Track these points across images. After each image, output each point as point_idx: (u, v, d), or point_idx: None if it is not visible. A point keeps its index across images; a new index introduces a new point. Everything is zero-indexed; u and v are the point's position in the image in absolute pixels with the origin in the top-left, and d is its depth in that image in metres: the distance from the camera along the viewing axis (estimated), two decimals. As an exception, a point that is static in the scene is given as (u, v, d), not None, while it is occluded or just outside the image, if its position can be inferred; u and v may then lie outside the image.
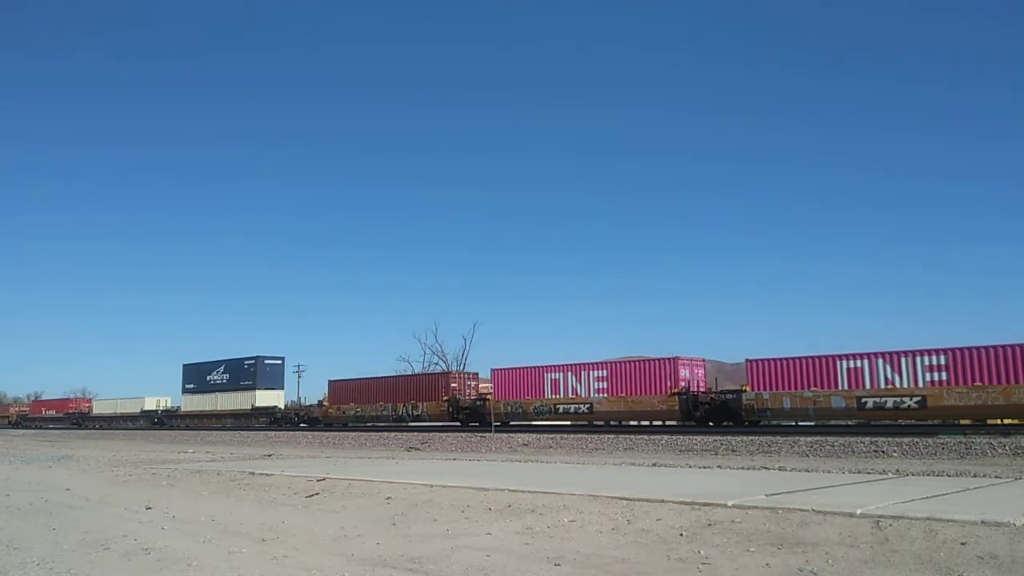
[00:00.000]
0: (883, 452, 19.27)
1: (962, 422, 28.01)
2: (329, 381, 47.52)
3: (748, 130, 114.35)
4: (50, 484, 14.44)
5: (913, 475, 12.63)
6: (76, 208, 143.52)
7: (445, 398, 40.12)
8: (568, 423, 36.30)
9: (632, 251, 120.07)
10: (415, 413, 41.71)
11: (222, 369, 58.29)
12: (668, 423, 33.65)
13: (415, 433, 35.05)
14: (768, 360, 30.32)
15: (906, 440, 20.50)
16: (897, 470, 13.84)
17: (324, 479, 12.80)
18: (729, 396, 31.32)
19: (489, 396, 38.31)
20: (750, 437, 23.66)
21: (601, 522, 7.84)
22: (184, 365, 62.53)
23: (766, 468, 14.59)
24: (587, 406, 34.78)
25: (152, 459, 21.51)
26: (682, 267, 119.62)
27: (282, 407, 54.07)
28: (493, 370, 38.81)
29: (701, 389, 32.80)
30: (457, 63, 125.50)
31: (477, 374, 43.03)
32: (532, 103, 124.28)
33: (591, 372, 35.20)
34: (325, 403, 47.53)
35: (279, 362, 58.18)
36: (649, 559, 6.21)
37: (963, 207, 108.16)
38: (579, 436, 28.15)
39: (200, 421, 57.45)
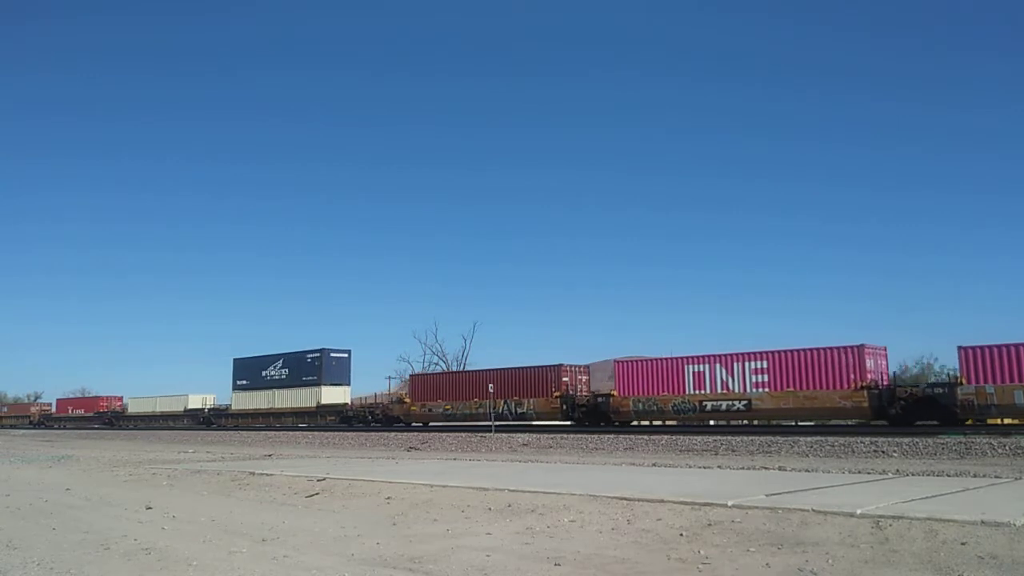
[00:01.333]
0: (883, 452, 19.26)
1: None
2: (411, 375, 44.15)
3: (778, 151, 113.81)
4: (50, 484, 14.45)
5: (913, 475, 12.63)
6: (78, 216, 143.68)
7: (557, 394, 36.02)
8: (721, 422, 31.77)
9: (625, 261, 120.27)
10: (519, 411, 37.46)
11: (280, 363, 53.03)
12: (851, 422, 29.23)
13: (415, 433, 35.05)
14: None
15: (906, 440, 20.50)
16: (897, 470, 13.84)
17: (324, 479, 12.80)
18: (939, 391, 26.94)
19: (613, 392, 33.85)
20: (750, 437, 23.66)
21: (601, 522, 7.84)
22: (235, 360, 57.22)
23: (766, 468, 14.59)
24: (743, 403, 29.78)
25: (152, 459, 21.51)
26: (681, 267, 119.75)
27: (349, 403, 49.36)
28: (616, 362, 34.40)
29: (884, 383, 28.60)
30: (459, 84, 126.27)
31: (588, 367, 38.18)
32: (534, 119, 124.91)
33: (746, 363, 30.12)
34: (406, 399, 43.19)
35: (345, 355, 52.38)
36: (649, 559, 6.21)
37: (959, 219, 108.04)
38: (579, 436, 28.15)
39: (255, 420, 52.87)
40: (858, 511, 7.38)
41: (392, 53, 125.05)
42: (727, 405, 30.28)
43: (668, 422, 33.17)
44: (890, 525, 6.85)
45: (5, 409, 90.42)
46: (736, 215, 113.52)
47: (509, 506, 9.12)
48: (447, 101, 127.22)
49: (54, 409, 79.67)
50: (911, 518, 6.98)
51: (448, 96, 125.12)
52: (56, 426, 72.71)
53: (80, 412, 72.86)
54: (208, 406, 59.64)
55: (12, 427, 78.47)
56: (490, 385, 37.47)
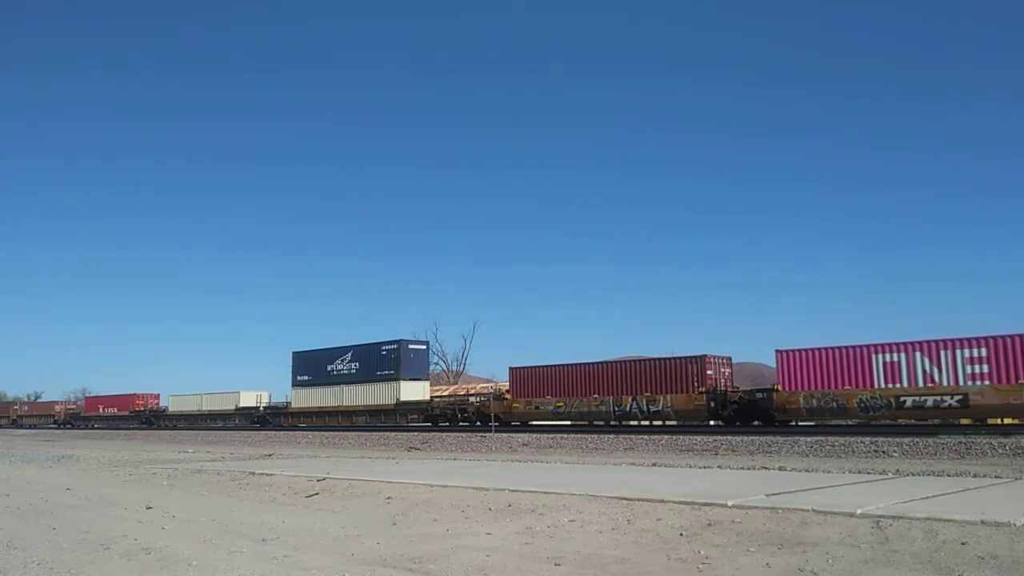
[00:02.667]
0: (883, 452, 19.26)
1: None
2: (510, 368, 38.07)
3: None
4: (50, 484, 14.44)
5: (913, 475, 12.63)
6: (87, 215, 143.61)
7: (701, 389, 31.43)
8: (921, 420, 26.73)
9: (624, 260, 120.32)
10: (652, 408, 32.73)
11: (349, 357, 47.75)
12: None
13: (415, 433, 35.01)
14: None
15: (906, 440, 20.49)
16: (897, 470, 13.84)
17: (324, 479, 12.80)
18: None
19: (777, 387, 29.97)
20: (750, 437, 23.65)
21: (601, 522, 7.83)
22: (294, 353, 51.52)
23: (766, 468, 14.59)
24: (957, 398, 25.61)
25: (152, 459, 21.51)
26: (682, 267, 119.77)
27: (428, 399, 44.37)
28: (779, 351, 29.83)
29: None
30: (459, 84, 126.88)
31: (730, 358, 33.40)
32: (534, 119, 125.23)
33: (957, 351, 25.81)
34: (506, 396, 37.92)
35: (423, 347, 47.87)
36: (649, 559, 6.21)
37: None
38: (579, 436, 28.14)
39: (321, 419, 47.82)
40: (858, 511, 7.38)
41: (392, 53, 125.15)
42: (934, 401, 26.05)
43: (850, 421, 29.03)
44: (890, 525, 6.85)
45: (26, 408, 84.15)
46: (735, 215, 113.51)
47: (509, 506, 9.11)
48: (447, 101, 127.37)
49: (83, 407, 73.57)
50: (911, 518, 6.98)
51: (448, 96, 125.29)
52: (84, 426, 67.83)
53: (113, 411, 67.09)
54: (263, 404, 54.36)
55: (33, 427, 73.98)
56: (612, 380, 33.56)
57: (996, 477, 11.71)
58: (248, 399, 55.00)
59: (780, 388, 29.51)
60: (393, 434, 35.42)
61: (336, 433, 38.35)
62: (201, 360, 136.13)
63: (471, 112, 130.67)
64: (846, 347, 28.23)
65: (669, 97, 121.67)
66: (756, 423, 30.33)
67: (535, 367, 37.10)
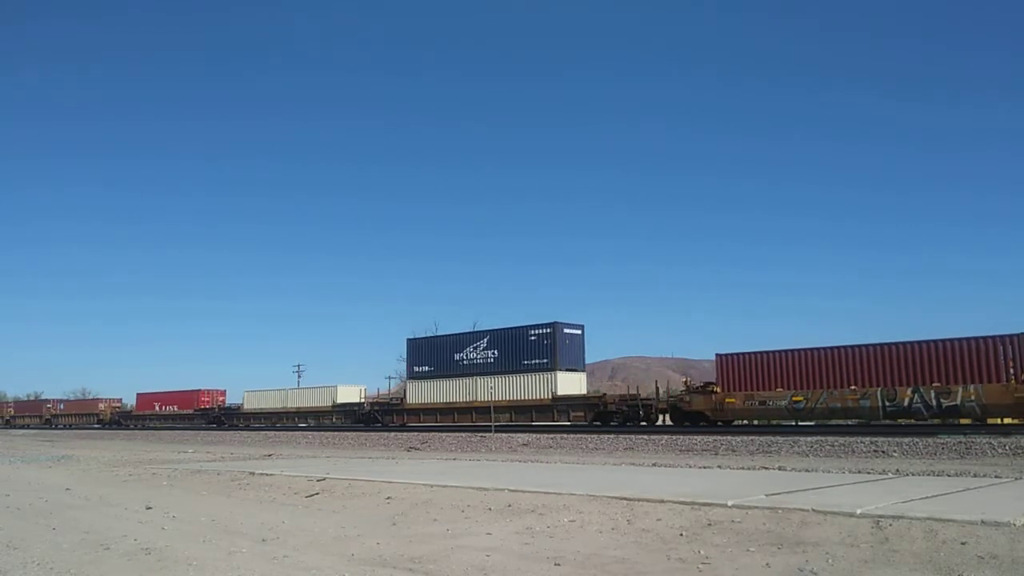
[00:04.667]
0: (883, 452, 19.25)
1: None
2: (718, 356, 31.06)
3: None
4: (50, 484, 14.44)
5: (913, 475, 12.62)
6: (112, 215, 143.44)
7: None
8: None
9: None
10: (944, 403, 25.91)
11: (485, 343, 40.79)
12: None
13: (415, 433, 34.99)
14: None
15: (906, 440, 20.49)
16: (897, 470, 13.83)
17: (324, 479, 12.79)
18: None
19: None
20: (750, 437, 23.64)
21: (601, 522, 7.83)
22: (409, 341, 45.23)
23: (766, 468, 14.58)
24: None
25: (152, 459, 21.50)
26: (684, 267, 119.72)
27: (600, 393, 38.48)
28: None
29: None
30: (459, 84, 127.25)
31: None
32: (534, 119, 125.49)
33: None
34: (715, 389, 31.11)
35: (579, 332, 39.33)
36: (649, 559, 6.20)
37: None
38: (579, 436, 28.12)
39: (447, 417, 41.26)
40: (858, 511, 7.37)
41: (392, 53, 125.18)
42: None
43: None
44: (890, 525, 6.85)
45: (62, 406, 75.82)
46: (733, 215, 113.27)
47: (509, 506, 9.11)
48: (447, 101, 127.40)
49: (133, 405, 66.94)
50: (911, 518, 6.98)
51: (448, 96, 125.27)
52: (136, 425, 61.80)
53: (173, 408, 60.96)
54: (369, 400, 47.46)
55: (70, 427, 67.54)
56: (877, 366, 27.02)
57: (996, 477, 11.70)
58: (348, 394, 48.82)
59: None
60: (392, 434, 35.17)
61: (336, 433, 38.21)
62: (203, 360, 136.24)
63: (470, 112, 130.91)
64: None
65: (669, 97, 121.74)
66: None
67: (758, 352, 29.89)
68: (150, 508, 10.34)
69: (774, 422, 30.00)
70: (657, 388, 34.73)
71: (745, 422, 30.82)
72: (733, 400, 30.16)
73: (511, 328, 39.97)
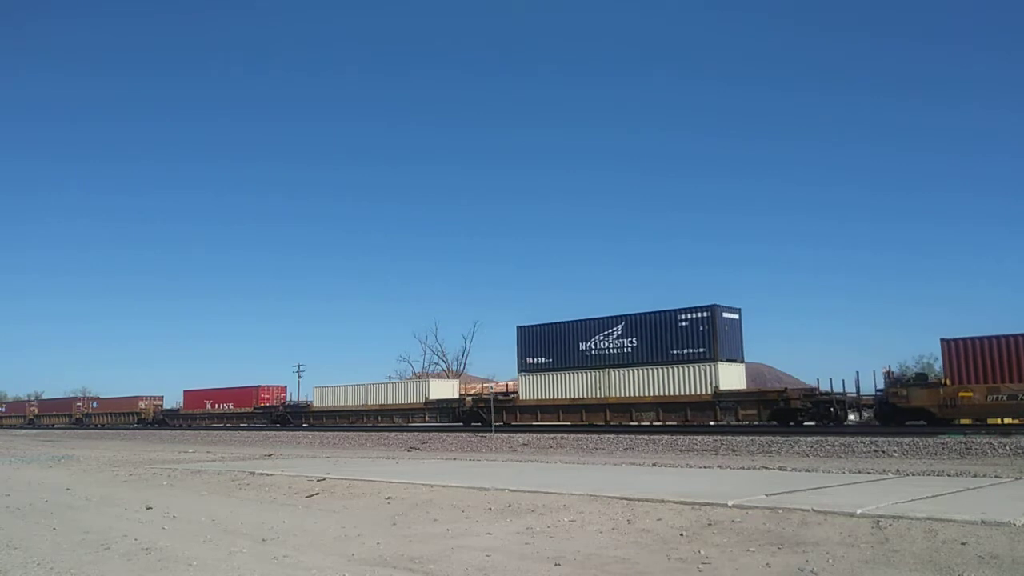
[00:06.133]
0: (883, 452, 19.26)
1: (963, 421, 24.39)
2: (943, 341, 26.34)
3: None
4: (50, 484, 14.44)
5: (913, 475, 12.63)
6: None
7: None
8: None
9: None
10: None
11: (619, 330, 34.95)
12: None
13: (414, 433, 34.97)
14: None
15: (906, 440, 20.49)
16: (897, 470, 13.84)
17: (324, 479, 12.80)
18: None
19: None
20: (750, 437, 23.65)
21: (601, 522, 7.83)
22: (520, 328, 38.84)
23: (766, 468, 14.59)
24: None
25: (152, 459, 21.51)
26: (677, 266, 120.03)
27: (781, 389, 31.26)
28: None
29: None
30: (460, 85, 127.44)
31: None
32: (533, 119, 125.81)
33: None
34: (945, 381, 26.31)
35: (736, 316, 33.36)
36: (649, 559, 6.21)
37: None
38: (579, 436, 28.12)
39: (572, 415, 35.71)
40: (858, 511, 7.38)
41: (392, 53, 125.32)
42: None
43: None
44: (890, 525, 6.85)
45: (95, 404, 69.53)
46: (730, 214, 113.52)
47: (509, 506, 9.11)
48: (447, 101, 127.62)
49: (180, 404, 61.12)
50: (911, 518, 6.98)
51: (448, 96, 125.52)
52: (183, 425, 57.01)
53: (228, 407, 55.24)
54: (468, 395, 42.30)
55: (107, 427, 63.10)
56: None
57: (996, 477, 11.71)
58: (442, 390, 43.93)
59: None
60: (393, 434, 34.96)
61: (336, 433, 38.01)
62: (203, 361, 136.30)
63: (470, 112, 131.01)
64: None
65: (668, 97, 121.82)
66: None
67: (1003, 336, 25.02)
68: (150, 508, 10.34)
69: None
70: (858, 380, 28.81)
71: (973, 421, 26.08)
72: (969, 394, 25.60)
73: (655, 312, 34.25)
